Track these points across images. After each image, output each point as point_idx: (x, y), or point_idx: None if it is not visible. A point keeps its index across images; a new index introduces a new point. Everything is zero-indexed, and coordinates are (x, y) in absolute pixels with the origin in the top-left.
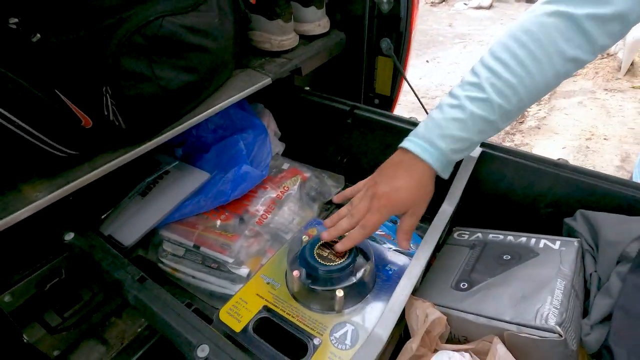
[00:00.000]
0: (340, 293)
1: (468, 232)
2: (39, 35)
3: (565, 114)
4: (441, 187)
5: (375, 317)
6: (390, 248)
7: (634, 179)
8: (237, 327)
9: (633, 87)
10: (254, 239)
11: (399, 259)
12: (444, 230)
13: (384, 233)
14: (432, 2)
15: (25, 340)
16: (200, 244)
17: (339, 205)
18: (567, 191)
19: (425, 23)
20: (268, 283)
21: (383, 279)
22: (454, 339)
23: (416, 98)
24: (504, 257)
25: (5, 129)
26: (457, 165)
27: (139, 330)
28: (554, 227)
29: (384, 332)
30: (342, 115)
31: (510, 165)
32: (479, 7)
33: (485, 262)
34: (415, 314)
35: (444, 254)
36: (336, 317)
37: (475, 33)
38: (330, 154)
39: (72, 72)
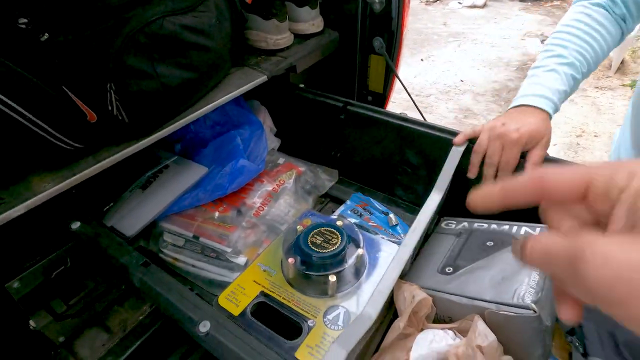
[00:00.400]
0: (332, 278)
1: (455, 222)
2: (47, 34)
3: None
4: (430, 177)
5: (365, 300)
6: (383, 238)
7: None
8: (236, 312)
9: (623, 85)
10: (250, 230)
11: (389, 247)
12: (431, 218)
13: (375, 224)
14: (426, 1)
15: (32, 327)
16: (200, 234)
17: (334, 199)
18: None
19: (420, 22)
20: (264, 270)
21: (373, 265)
22: (439, 319)
23: (409, 96)
24: (488, 243)
25: (17, 123)
26: (445, 155)
27: (141, 318)
28: (535, 215)
29: (373, 310)
30: (335, 111)
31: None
32: (473, 6)
33: (470, 249)
34: (402, 295)
35: (432, 242)
36: (329, 301)
37: (470, 32)
38: (324, 149)
39: (78, 70)
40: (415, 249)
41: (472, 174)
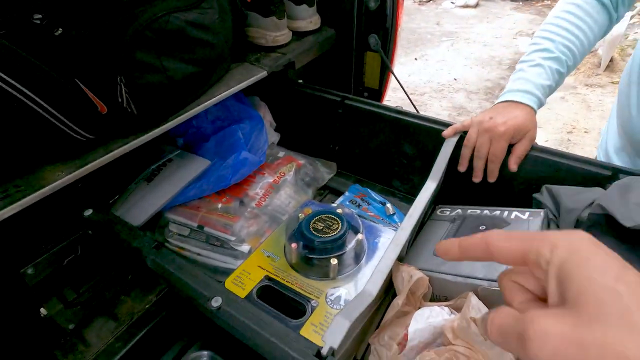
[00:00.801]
0: (334, 261)
1: (449, 209)
2: (61, 29)
3: (548, 108)
4: (425, 167)
5: (365, 281)
6: (381, 225)
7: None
8: (242, 294)
9: (612, 83)
10: (253, 220)
11: (387, 233)
12: (427, 204)
13: (373, 214)
14: (420, 1)
15: (42, 315)
16: (204, 224)
17: (333, 191)
18: (535, 169)
19: (414, 22)
20: (268, 256)
21: (372, 250)
22: (436, 299)
23: (405, 94)
24: (480, 227)
25: (35, 113)
26: (439, 146)
27: (147, 307)
28: (526, 201)
29: (374, 288)
30: (333, 105)
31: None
32: (466, 6)
33: (463, 233)
34: (401, 276)
35: (428, 228)
36: (331, 283)
37: (462, 31)
38: (323, 142)
39: (90, 63)
40: (412, 233)
41: (462, 167)
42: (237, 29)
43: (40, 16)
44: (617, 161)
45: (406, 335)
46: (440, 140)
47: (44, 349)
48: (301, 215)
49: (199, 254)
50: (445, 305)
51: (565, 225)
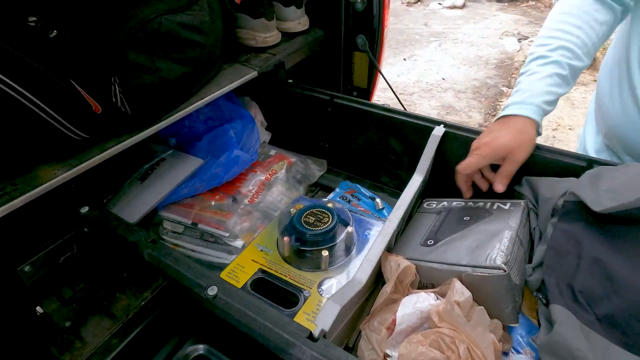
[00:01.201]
0: (325, 253)
1: (435, 202)
2: (55, 31)
3: None
4: (412, 163)
5: (355, 271)
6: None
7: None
8: (237, 287)
9: (594, 81)
10: (246, 217)
11: (376, 226)
12: (414, 197)
13: (363, 209)
14: (408, 2)
15: (39, 313)
16: (198, 221)
17: (324, 187)
18: None
19: (402, 22)
20: (262, 250)
21: (362, 242)
22: (423, 286)
23: (393, 93)
24: (465, 218)
25: (32, 113)
26: (425, 142)
27: (143, 303)
28: (508, 193)
29: (363, 275)
30: (322, 104)
31: (470, 142)
32: (453, 7)
33: (449, 224)
34: (389, 265)
35: (415, 221)
36: (323, 274)
37: (450, 31)
38: (313, 140)
39: (84, 64)
40: (399, 224)
41: (466, 196)
42: (227, 30)
43: (35, 18)
44: None
45: (394, 320)
46: (426, 136)
47: (40, 347)
48: (293, 210)
49: (193, 250)
50: (432, 292)
51: (543, 213)
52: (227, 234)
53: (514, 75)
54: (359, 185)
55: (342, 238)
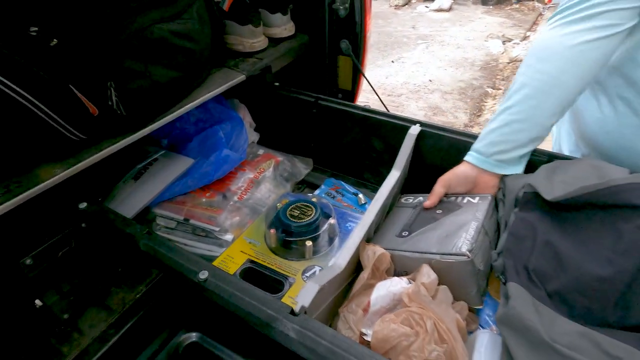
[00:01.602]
0: (309, 243)
1: (412, 197)
2: (55, 40)
3: None
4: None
5: None
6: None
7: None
8: None
9: None
10: (236, 212)
11: (358, 218)
12: (391, 191)
13: (347, 204)
14: (396, 6)
15: (38, 306)
16: (190, 217)
17: (310, 185)
18: None
19: (390, 25)
20: (250, 243)
21: (344, 233)
22: (398, 274)
23: (375, 94)
24: (437, 211)
25: (35, 115)
26: (402, 140)
27: (137, 296)
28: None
29: (342, 261)
30: (308, 106)
31: (445, 140)
32: (440, 10)
33: (423, 217)
34: (366, 254)
35: (393, 214)
36: (307, 262)
37: (437, 34)
38: (300, 140)
39: (82, 70)
40: (377, 216)
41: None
42: (215, 36)
43: (36, 29)
44: None
45: (369, 302)
46: (404, 135)
47: (40, 338)
48: (279, 205)
49: (185, 245)
50: (404, 277)
51: (508, 204)
52: (217, 229)
53: (498, 77)
54: (343, 182)
55: (324, 229)
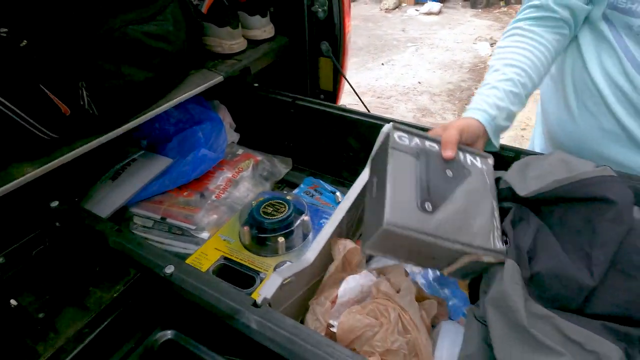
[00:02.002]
0: (281, 239)
1: (407, 136)
2: (25, 41)
3: None
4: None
5: None
6: (327, 209)
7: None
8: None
9: None
10: (213, 211)
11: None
12: (364, 187)
13: (325, 202)
14: (386, 9)
15: (13, 305)
16: (167, 216)
17: (289, 184)
18: None
19: (381, 29)
20: (224, 240)
21: (317, 229)
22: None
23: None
24: (447, 172)
25: (4, 115)
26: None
27: (115, 295)
28: None
29: (312, 255)
30: (285, 106)
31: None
32: (429, 13)
33: (435, 177)
34: (337, 248)
35: (394, 161)
36: (279, 258)
37: (426, 37)
38: (279, 140)
39: (53, 70)
40: (349, 212)
41: None
42: (192, 38)
43: (5, 30)
44: None
45: (337, 294)
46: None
47: (14, 337)
48: (254, 203)
49: (162, 243)
50: (373, 270)
51: None
52: (194, 227)
53: None
54: (321, 181)
55: (297, 225)
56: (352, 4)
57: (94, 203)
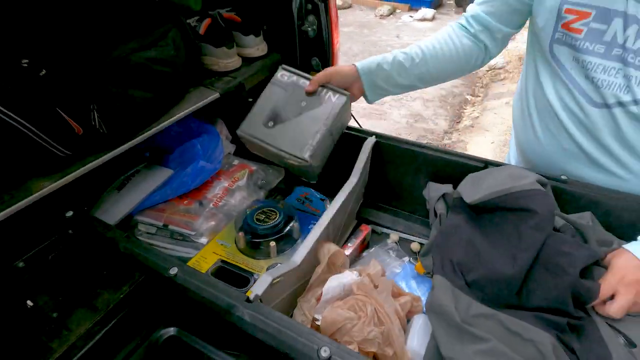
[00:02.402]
0: (272, 244)
1: (288, 74)
2: (44, 70)
3: (494, 113)
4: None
5: None
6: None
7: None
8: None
9: None
10: (211, 218)
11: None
12: (349, 195)
13: (315, 209)
14: (381, 15)
15: (29, 306)
16: (169, 223)
17: (282, 192)
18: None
19: (375, 35)
20: (222, 244)
21: (306, 234)
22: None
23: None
24: (302, 103)
25: (25, 136)
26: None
27: (121, 296)
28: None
29: (299, 257)
30: None
31: (397, 150)
32: (423, 19)
33: (290, 105)
34: (322, 251)
35: (267, 91)
36: (271, 260)
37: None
38: None
39: (68, 95)
40: (335, 217)
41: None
42: (192, 59)
43: (27, 61)
44: None
45: (322, 292)
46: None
47: (31, 335)
48: (248, 210)
49: (165, 248)
50: (355, 270)
51: (430, 208)
52: (193, 233)
53: (477, 84)
54: (311, 189)
55: (287, 231)
56: (348, 10)
57: (102, 211)
